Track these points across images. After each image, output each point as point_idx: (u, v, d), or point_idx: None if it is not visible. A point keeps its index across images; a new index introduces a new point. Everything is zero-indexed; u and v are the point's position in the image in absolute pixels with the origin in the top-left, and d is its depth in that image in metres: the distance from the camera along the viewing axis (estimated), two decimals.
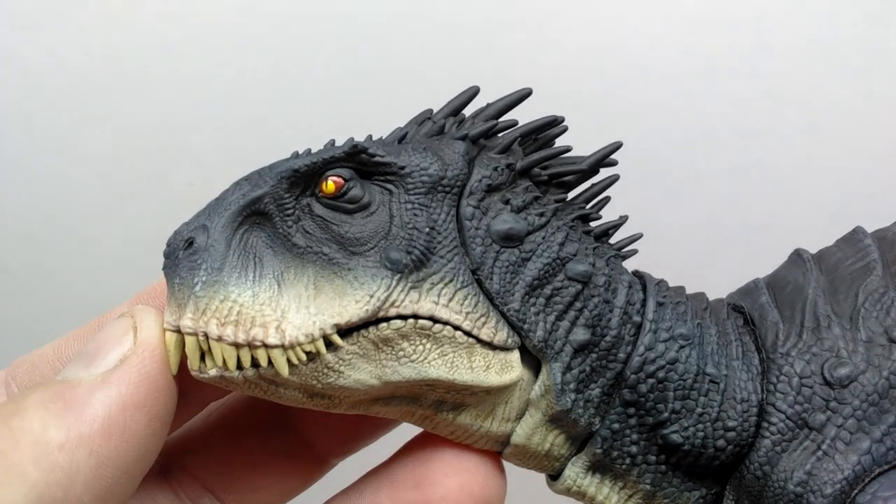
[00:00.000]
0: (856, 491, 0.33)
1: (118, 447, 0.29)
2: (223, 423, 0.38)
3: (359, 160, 0.33)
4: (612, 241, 0.38)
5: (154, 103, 0.75)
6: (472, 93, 0.37)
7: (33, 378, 0.35)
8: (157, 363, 0.30)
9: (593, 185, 0.38)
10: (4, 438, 0.28)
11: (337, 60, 0.75)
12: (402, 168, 0.33)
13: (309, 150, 0.34)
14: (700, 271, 0.49)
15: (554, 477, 0.38)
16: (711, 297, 0.41)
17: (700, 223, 0.77)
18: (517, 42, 0.75)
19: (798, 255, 0.40)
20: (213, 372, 0.31)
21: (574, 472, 0.37)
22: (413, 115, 0.38)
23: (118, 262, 0.77)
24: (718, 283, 0.44)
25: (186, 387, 0.33)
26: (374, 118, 0.44)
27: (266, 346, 0.30)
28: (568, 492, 0.38)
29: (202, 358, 0.31)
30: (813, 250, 0.41)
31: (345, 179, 0.33)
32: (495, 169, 0.34)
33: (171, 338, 0.31)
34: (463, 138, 0.35)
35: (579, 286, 0.35)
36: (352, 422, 0.38)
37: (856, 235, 0.40)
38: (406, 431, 0.38)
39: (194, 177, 0.75)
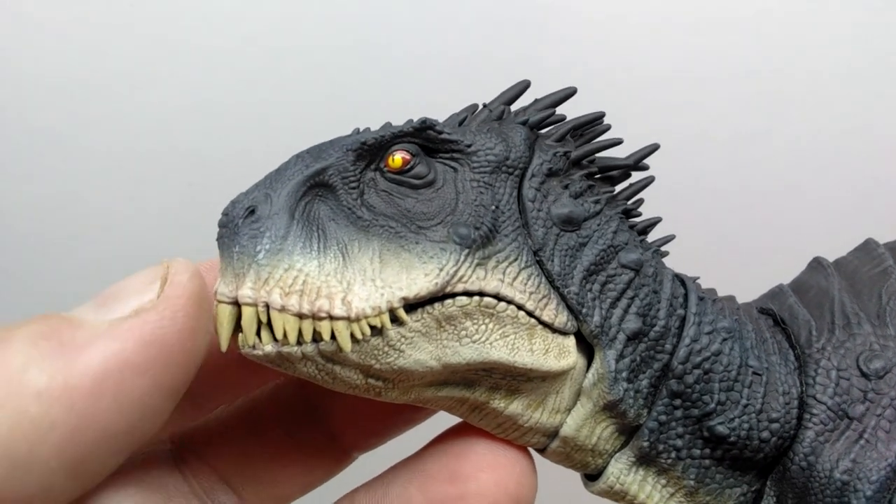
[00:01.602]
0: None
1: (107, 411, 0.24)
2: (245, 412, 0.36)
3: (426, 136, 0.33)
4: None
5: (154, 103, 0.74)
6: (524, 86, 0.37)
7: None
8: (177, 325, 0.26)
9: (631, 185, 0.39)
10: None
11: (337, 60, 0.76)
12: (469, 146, 0.33)
13: (368, 129, 0.34)
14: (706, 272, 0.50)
15: (592, 477, 0.38)
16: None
17: (701, 224, 0.79)
18: (518, 41, 0.76)
19: (818, 262, 0.42)
20: (268, 347, 0.29)
21: (618, 468, 0.36)
22: (413, 113, 0.38)
23: (118, 263, 0.73)
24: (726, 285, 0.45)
25: (227, 376, 0.30)
26: (375, 117, 0.44)
27: (332, 317, 0.29)
28: (610, 490, 0.37)
29: (257, 333, 0.30)
30: (816, 249, 0.43)
31: (412, 154, 0.33)
32: (555, 154, 0.35)
33: (224, 311, 0.30)
34: (523, 123, 0.35)
35: (632, 273, 0.35)
36: (381, 414, 0.36)
37: (869, 245, 0.42)
38: (431, 425, 0.37)
39: (194, 177, 0.74)
